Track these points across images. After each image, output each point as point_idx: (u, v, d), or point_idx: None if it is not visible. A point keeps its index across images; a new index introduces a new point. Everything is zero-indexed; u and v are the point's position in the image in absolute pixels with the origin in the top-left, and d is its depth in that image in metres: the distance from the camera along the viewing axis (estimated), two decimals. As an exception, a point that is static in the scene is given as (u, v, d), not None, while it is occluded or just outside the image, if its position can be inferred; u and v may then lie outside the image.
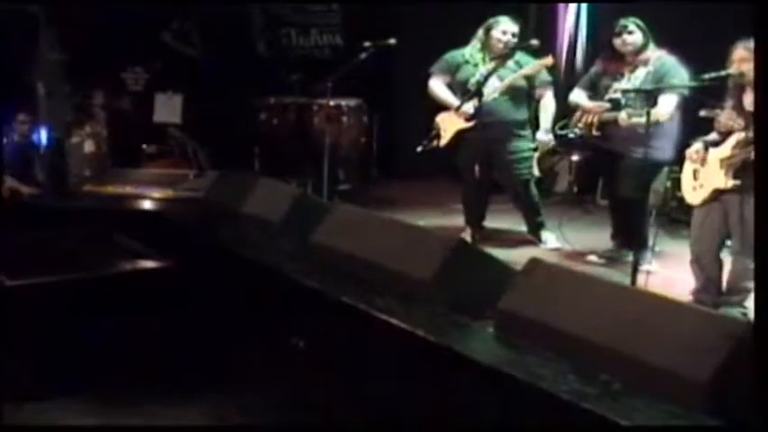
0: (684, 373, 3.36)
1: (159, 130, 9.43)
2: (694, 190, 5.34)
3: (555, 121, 6.90)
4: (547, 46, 7.79)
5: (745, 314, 5.10)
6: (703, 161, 5.25)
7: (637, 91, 6.07)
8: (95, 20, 8.88)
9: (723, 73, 5.18)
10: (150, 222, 7.10)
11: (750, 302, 5.20)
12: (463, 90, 6.84)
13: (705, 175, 5.23)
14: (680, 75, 6.06)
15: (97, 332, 5.05)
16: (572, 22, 9.50)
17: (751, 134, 4.94)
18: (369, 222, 5.53)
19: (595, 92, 6.47)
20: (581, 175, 8.76)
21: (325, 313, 4.87)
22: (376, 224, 5.49)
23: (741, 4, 6.73)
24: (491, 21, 6.86)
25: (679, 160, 5.66)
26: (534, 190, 7.09)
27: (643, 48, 6.21)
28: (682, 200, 5.90)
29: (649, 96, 5.78)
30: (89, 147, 8.62)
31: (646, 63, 6.20)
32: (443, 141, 7.01)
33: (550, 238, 7.00)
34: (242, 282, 5.62)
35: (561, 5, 9.59)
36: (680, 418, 3.27)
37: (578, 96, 6.57)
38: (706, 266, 5.36)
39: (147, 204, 7.69)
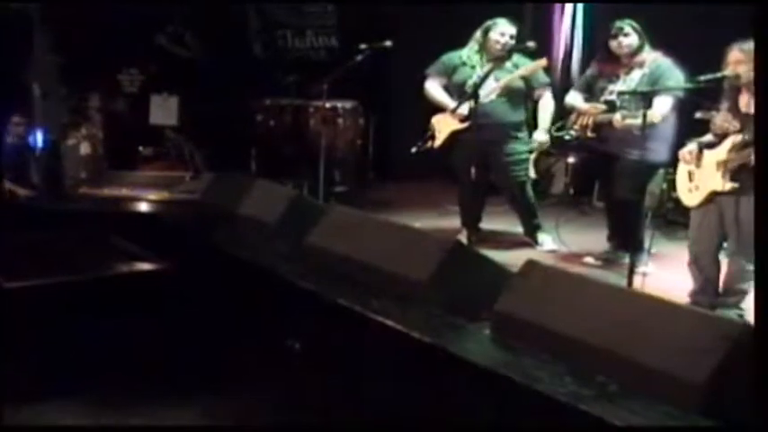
0: (681, 375, 3.36)
1: (155, 133, 9.43)
2: (690, 192, 5.35)
3: (551, 123, 6.91)
4: (543, 48, 7.80)
5: (741, 315, 5.10)
6: (698, 163, 5.26)
7: (632, 93, 6.07)
8: (91, 22, 8.87)
9: (718, 75, 5.18)
10: (146, 224, 7.09)
11: (746, 304, 5.21)
12: (460, 92, 6.84)
13: (701, 176, 5.23)
14: (675, 77, 6.06)
15: (93, 334, 5.04)
16: (568, 23, 9.50)
17: (747, 137, 4.94)
18: (365, 224, 5.53)
19: (591, 94, 6.47)
20: (577, 176, 8.76)
21: (321, 315, 4.86)
22: (372, 226, 5.49)
23: (736, 5, 6.77)
24: (489, 23, 6.86)
25: (675, 162, 5.66)
26: (531, 192, 7.10)
27: (639, 50, 6.22)
28: (678, 201, 5.90)
29: (645, 98, 5.77)
30: (85, 149, 8.61)
31: (641, 65, 6.21)
32: (438, 143, 7.02)
33: (547, 240, 7.00)
34: (238, 283, 5.61)
35: (557, 7, 9.59)
36: (677, 420, 3.27)
37: (574, 98, 6.58)
38: (705, 267, 5.37)
39: (143, 206, 7.69)
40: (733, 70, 5.09)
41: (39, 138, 8.08)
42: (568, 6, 9.50)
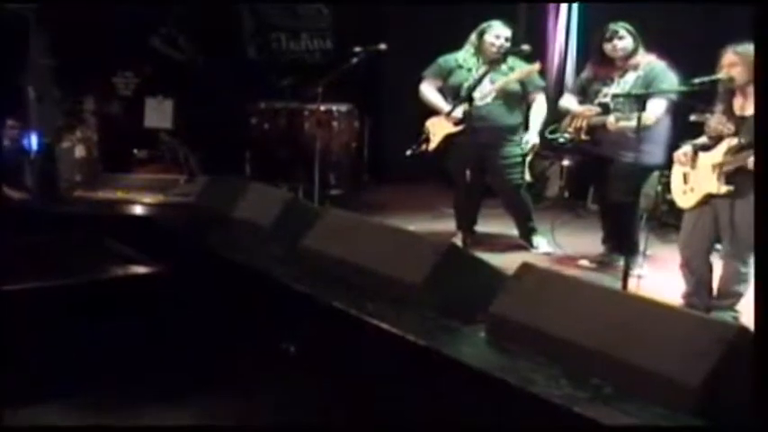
0: (676, 377, 3.37)
1: (150, 135, 9.41)
2: (685, 194, 5.35)
3: (545, 126, 6.91)
4: (538, 50, 7.80)
5: (736, 318, 5.11)
6: (693, 165, 5.26)
7: (626, 95, 6.08)
8: (86, 24, 8.85)
9: (713, 77, 5.19)
10: (141, 227, 7.08)
11: (741, 306, 5.21)
12: (455, 94, 6.84)
13: (696, 179, 5.24)
14: (669, 80, 6.07)
15: (88, 337, 5.03)
16: (563, 26, 9.50)
17: (743, 140, 4.95)
18: (360, 227, 5.53)
19: (585, 96, 6.48)
20: (572, 179, 8.76)
21: (315, 318, 4.86)
22: (367, 229, 5.49)
23: (731, 7, 6.79)
24: (484, 25, 6.87)
25: (669, 165, 5.66)
26: (526, 195, 7.10)
27: (633, 53, 6.22)
28: (672, 204, 5.90)
29: (638, 101, 5.78)
30: (80, 152, 8.59)
31: (635, 68, 6.21)
32: (432, 145, 7.03)
33: (542, 243, 7.01)
34: (233, 287, 5.61)
35: (551, 10, 9.59)
36: (671, 422, 3.27)
37: (568, 101, 6.58)
38: (696, 270, 5.37)
39: (137, 209, 7.68)
40: (727, 73, 5.10)
41: (33, 141, 8.06)
42: (563, 9, 9.50)
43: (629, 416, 3.31)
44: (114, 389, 4.93)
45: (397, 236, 5.29)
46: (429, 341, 4.14)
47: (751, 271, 5.14)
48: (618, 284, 5.42)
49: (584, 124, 6.33)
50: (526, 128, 7.01)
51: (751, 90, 5.00)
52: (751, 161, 4.82)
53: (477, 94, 6.58)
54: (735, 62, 5.05)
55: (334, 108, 8.91)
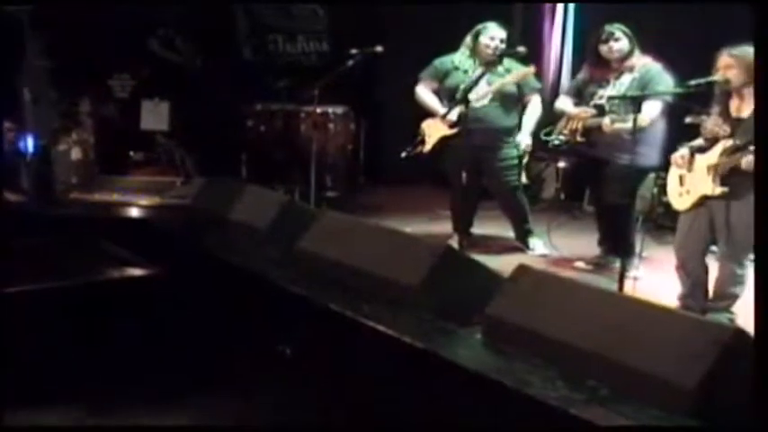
0: (672, 379, 3.37)
1: (146, 138, 9.41)
2: (680, 196, 5.35)
3: (541, 128, 6.91)
4: (534, 52, 7.81)
5: (731, 320, 5.11)
6: (689, 167, 5.27)
7: (622, 97, 6.08)
8: (82, 26, 8.85)
9: (708, 80, 5.19)
10: (137, 230, 7.08)
11: (737, 308, 5.22)
12: (451, 96, 6.84)
13: (692, 181, 5.24)
14: (665, 82, 6.07)
15: (84, 339, 5.03)
16: (559, 27, 9.51)
17: (738, 141, 4.95)
18: (356, 229, 5.53)
19: (581, 98, 6.48)
20: (568, 181, 8.77)
21: (312, 320, 4.86)
22: (363, 231, 5.49)
23: (726, 9, 6.80)
24: (479, 27, 6.87)
25: (665, 166, 5.67)
26: (523, 197, 7.11)
27: (629, 54, 6.22)
28: (668, 206, 5.90)
29: (634, 103, 5.78)
30: (76, 154, 8.59)
31: (631, 70, 6.22)
32: (427, 147, 7.03)
33: (538, 245, 7.01)
34: (229, 289, 5.61)
35: (548, 12, 9.59)
36: (667, 424, 3.28)
37: (564, 103, 6.58)
38: (692, 272, 5.37)
39: (134, 212, 7.68)
40: (723, 75, 5.10)
41: (29, 143, 8.06)
42: (559, 10, 9.51)
43: (625, 418, 3.31)
44: (111, 391, 4.93)
45: (394, 238, 5.29)
46: (425, 343, 4.14)
47: (746, 273, 5.15)
48: (614, 286, 5.41)
49: (580, 126, 6.33)
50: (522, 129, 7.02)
51: (747, 92, 5.01)
52: (744, 161, 4.83)
53: (473, 96, 6.58)
54: (730, 64, 5.06)
55: (331, 110, 8.92)
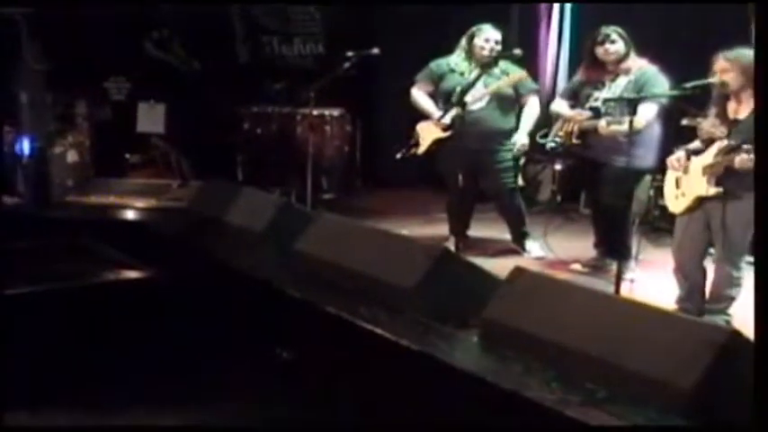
0: (669, 381, 3.38)
1: (142, 140, 9.41)
2: (677, 198, 5.35)
3: (537, 130, 6.91)
4: (530, 54, 7.81)
5: (728, 321, 5.11)
6: (686, 169, 5.27)
7: (618, 100, 6.08)
8: (78, 29, 8.85)
9: (704, 82, 5.20)
10: (133, 232, 7.08)
11: (733, 310, 5.22)
12: (447, 99, 6.84)
13: (687, 183, 5.24)
14: (660, 84, 6.07)
15: (76, 342, 5.02)
16: (555, 30, 9.50)
17: (733, 141, 4.96)
18: (352, 231, 5.54)
19: (576, 101, 6.48)
20: (564, 183, 8.76)
21: (308, 322, 4.86)
22: (359, 233, 5.50)
23: (723, 11, 6.81)
24: (474, 29, 6.87)
25: (662, 169, 5.67)
26: (519, 199, 7.11)
27: (625, 56, 6.21)
28: (665, 208, 5.91)
29: (630, 105, 5.78)
30: (72, 156, 8.59)
31: (627, 72, 6.21)
32: (421, 149, 7.03)
33: (534, 247, 7.01)
34: (225, 291, 5.60)
35: (544, 14, 9.59)
36: (664, 425, 3.28)
37: (559, 105, 6.58)
38: (689, 274, 5.37)
39: (130, 214, 7.68)
40: (721, 78, 5.10)
41: (26, 146, 8.05)
42: (555, 12, 9.50)
43: (622, 419, 3.31)
44: (107, 393, 4.92)
45: (390, 240, 5.29)
46: (422, 346, 4.14)
47: (743, 275, 5.16)
48: (610, 288, 5.42)
49: (576, 128, 6.33)
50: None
51: (745, 95, 5.02)
52: (738, 159, 4.83)
53: (469, 98, 6.58)
54: (727, 68, 5.06)
55: (327, 112, 8.93)
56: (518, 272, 4.37)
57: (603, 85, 6.29)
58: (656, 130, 6.18)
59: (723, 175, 5.01)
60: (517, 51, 6.79)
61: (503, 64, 6.86)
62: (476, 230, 7.39)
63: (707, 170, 5.08)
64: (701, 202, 5.17)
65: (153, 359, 5.14)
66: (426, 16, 9.23)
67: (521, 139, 6.91)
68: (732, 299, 5.22)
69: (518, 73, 6.87)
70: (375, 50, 7.53)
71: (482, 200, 7.30)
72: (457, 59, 6.94)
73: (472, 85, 6.63)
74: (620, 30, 6.22)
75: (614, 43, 6.19)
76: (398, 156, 7.10)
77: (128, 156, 9.32)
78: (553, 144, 6.54)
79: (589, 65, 6.40)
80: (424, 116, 7.04)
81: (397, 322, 4.44)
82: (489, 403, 3.71)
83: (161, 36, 9.82)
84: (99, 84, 9.54)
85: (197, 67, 9.80)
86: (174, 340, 5.29)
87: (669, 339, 3.52)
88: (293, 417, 4.68)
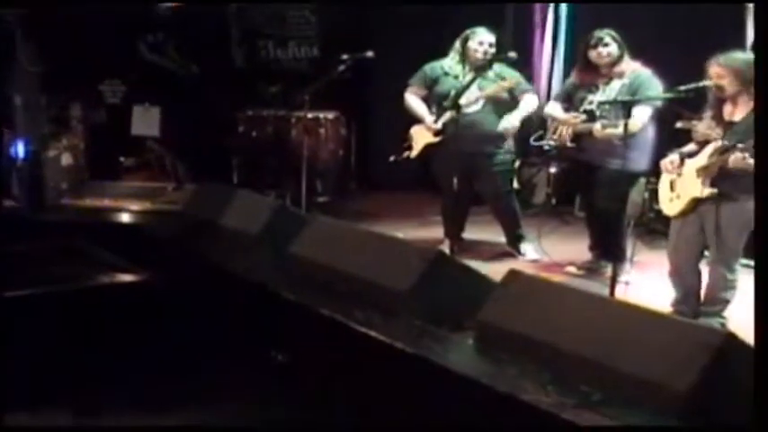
0: (664, 384, 3.37)
1: (137, 143, 9.40)
2: (671, 201, 5.36)
3: (531, 133, 6.92)
4: (524, 57, 7.80)
5: (723, 324, 5.12)
6: (680, 172, 5.27)
7: (612, 102, 6.09)
8: (73, 31, 8.84)
9: (699, 85, 5.20)
10: (128, 235, 7.07)
11: (728, 312, 5.23)
12: (442, 102, 6.83)
13: (682, 185, 5.25)
14: (654, 87, 6.08)
15: (74, 344, 5.02)
16: (550, 33, 9.51)
17: (727, 142, 4.96)
18: (347, 234, 5.53)
19: (570, 104, 6.48)
20: (559, 186, 8.77)
21: (303, 325, 4.86)
22: (354, 236, 5.49)
23: (720, 13, 6.82)
24: (467, 32, 6.86)
25: (656, 171, 5.67)
26: (515, 202, 7.11)
27: (618, 60, 6.22)
28: (659, 211, 5.91)
29: (624, 108, 5.78)
30: (66, 159, 8.57)
31: (621, 75, 6.22)
32: (414, 153, 7.04)
33: (529, 250, 7.01)
34: (220, 294, 5.60)
35: (539, 17, 9.59)
36: (659, 427, 3.28)
37: (553, 108, 6.58)
38: (684, 277, 5.38)
39: (125, 217, 7.67)
40: (716, 83, 5.10)
41: (20, 149, 8.03)
42: (550, 15, 9.50)
43: (617, 422, 3.31)
44: (106, 394, 4.91)
45: (385, 243, 5.29)
46: (417, 348, 4.13)
47: (737, 277, 5.17)
48: (605, 291, 5.43)
49: (570, 131, 6.34)
50: (516, 135, 7.00)
51: (741, 98, 5.03)
52: (732, 159, 4.84)
53: (464, 101, 6.58)
54: (721, 74, 5.07)
55: (322, 115, 8.93)
56: (513, 275, 4.37)
57: (597, 88, 6.30)
58: (651, 133, 6.19)
59: (718, 176, 5.02)
60: (512, 54, 6.80)
61: (497, 67, 6.85)
62: (471, 233, 7.39)
63: (701, 172, 5.08)
64: (695, 204, 5.18)
65: (151, 361, 5.14)
66: (421, 19, 9.24)
67: (512, 120, 6.78)
68: (727, 301, 5.23)
69: (512, 79, 6.83)
70: (370, 53, 7.54)
71: (477, 203, 7.30)
72: (451, 63, 6.93)
73: (466, 88, 6.63)
74: (613, 33, 6.22)
75: (608, 46, 6.20)
76: (392, 159, 7.11)
77: (122, 159, 9.30)
78: (548, 147, 6.55)
79: (583, 68, 6.41)
80: (419, 119, 7.04)
81: (392, 325, 4.44)
82: (484, 406, 3.70)
83: (155, 39, 9.81)
84: (94, 86, 9.52)
85: (192, 71, 9.79)
86: (170, 342, 5.29)
87: (664, 342, 3.52)
88: (291, 417, 4.68)
